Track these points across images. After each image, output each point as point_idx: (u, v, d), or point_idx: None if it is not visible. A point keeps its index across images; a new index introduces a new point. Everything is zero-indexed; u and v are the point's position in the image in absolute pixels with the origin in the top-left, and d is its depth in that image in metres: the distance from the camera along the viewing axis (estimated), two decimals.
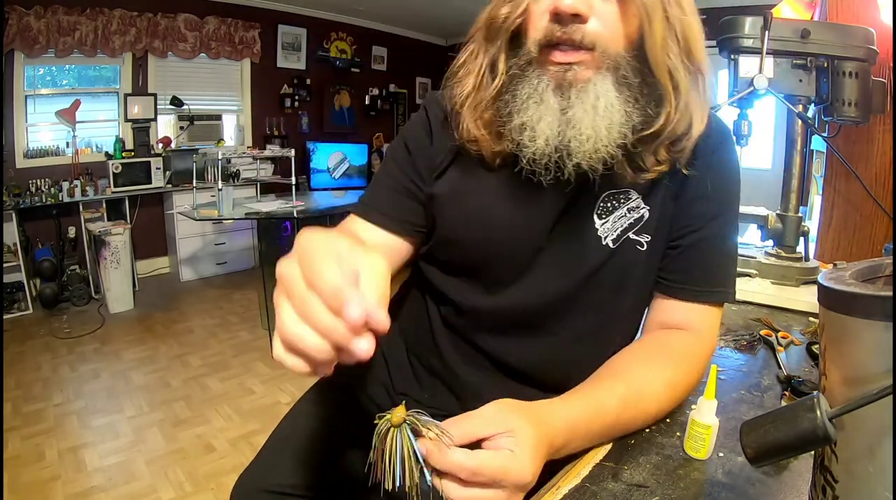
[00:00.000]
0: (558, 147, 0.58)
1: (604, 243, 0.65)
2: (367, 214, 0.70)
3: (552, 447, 0.49)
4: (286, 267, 0.38)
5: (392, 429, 0.44)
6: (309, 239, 0.39)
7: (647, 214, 0.64)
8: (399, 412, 0.44)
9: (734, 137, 0.67)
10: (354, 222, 0.71)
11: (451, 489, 0.44)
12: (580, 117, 0.57)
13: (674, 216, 0.65)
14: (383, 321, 0.36)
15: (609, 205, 0.65)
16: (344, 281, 0.35)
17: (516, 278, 0.67)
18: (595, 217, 0.65)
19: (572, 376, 0.62)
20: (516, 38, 0.60)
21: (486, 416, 0.48)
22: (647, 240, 0.65)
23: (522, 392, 0.66)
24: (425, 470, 0.44)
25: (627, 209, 0.64)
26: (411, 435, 0.44)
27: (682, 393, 0.63)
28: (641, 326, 0.72)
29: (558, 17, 0.55)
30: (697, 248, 0.65)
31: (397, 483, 0.43)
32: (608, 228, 0.65)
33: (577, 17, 0.55)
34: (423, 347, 0.76)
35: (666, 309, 0.68)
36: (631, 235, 0.65)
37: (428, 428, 0.44)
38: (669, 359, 0.62)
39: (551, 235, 0.66)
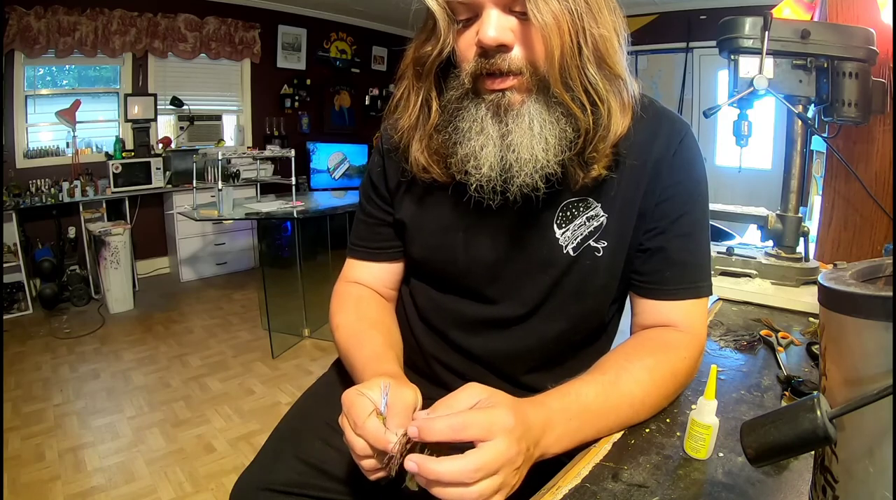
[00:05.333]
0: (502, 172, 0.61)
1: (565, 252, 0.67)
2: (353, 253, 0.80)
3: (526, 415, 0.51)
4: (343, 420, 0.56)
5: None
6: (351, 399, 0.54)
7: (605, 222, 0.66)
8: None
9: (694, 133, 0.68)
10: (351, 266, 0.81)
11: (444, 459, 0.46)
12: (519, 141, 0.59)
13: (639, 221, 0.66)
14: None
15: (568, 214, 0.67)
16: (379, 431, 0.51)
17: (483, 291, 0.71)
18: (555, 227, 0.67)
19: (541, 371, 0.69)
20: (446, 68, 0.64)
21: (458, 394, 0.51)
22: (603, 246, 0.67)
23: (492, 382, 0.71)
24: None
25: (587, 218, 0.67)
26: None
27: (671, 379, 0.63)
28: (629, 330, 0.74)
29: (484, 51, 0.58)
30: (665, 248, 0.67)
31: None
32: (568, 236, 0.67)
33: (503, 48, 0.57)
34: (405, 344, 0.79)
35: (645, 310, 0.70)
36: (591, 242, 0.67)
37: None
38: (646, 348, 0.64)
39: (514, 249, 0.69)
